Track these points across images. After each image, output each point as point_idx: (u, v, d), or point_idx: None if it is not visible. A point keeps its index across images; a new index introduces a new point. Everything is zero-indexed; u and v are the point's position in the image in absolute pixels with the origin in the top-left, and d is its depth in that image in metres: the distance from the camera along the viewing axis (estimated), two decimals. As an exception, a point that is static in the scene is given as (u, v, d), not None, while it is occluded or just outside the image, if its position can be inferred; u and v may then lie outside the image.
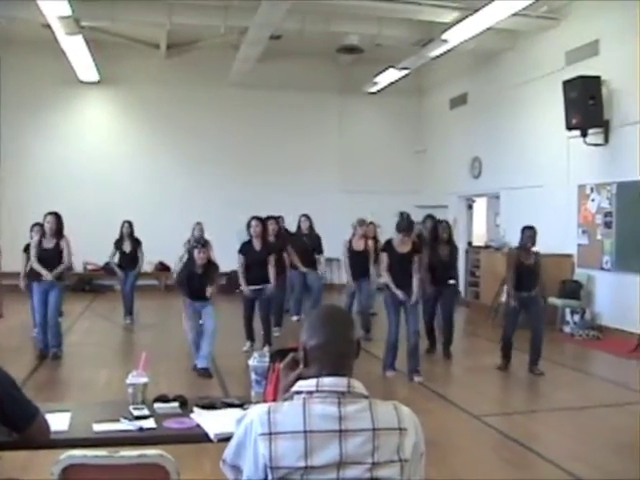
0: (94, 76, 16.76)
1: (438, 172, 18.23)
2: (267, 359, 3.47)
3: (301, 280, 12.40)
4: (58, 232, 9.54)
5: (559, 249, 12.75)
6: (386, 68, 16.21)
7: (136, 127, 17.83)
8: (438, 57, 14.68)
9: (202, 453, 4.61)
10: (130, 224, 12.73)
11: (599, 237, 12.13)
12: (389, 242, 8.84)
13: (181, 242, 12.31)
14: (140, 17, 13.80)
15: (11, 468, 3.28)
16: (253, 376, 3.64)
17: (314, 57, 17.59)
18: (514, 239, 9.81)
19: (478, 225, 17.35)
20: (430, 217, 11.72)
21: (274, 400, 3.01)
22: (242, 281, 10.01)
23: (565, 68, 12.73)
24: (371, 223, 12.78)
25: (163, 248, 14.11)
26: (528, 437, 6.44)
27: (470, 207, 17.46)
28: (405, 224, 8.79)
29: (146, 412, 3.50)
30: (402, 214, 9.28)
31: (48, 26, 13.09)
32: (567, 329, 12.08)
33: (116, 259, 12.83)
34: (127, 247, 12.67)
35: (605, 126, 11.84)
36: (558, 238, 12.77)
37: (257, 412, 2.24)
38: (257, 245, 10.09)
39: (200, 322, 8.93)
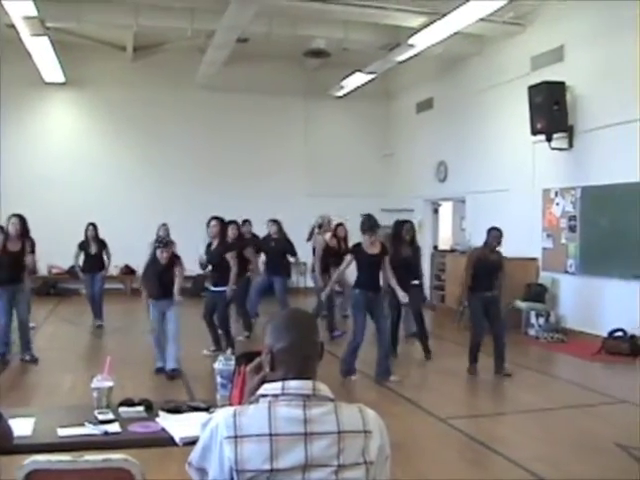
0: (60, 78, 16.60)
1: (404, 176, 18.30)
2: (233, 362, 3.47)
3: (264, 284, 12.35)
4: (23, 234, 9.44)
5: (524, 253, 12.86)
6: (353, 72, 16.25)
7: (102, 129, 17.69)
8: (405, 61, 14.74)
9: (167, 457, 4.58)
10: (94, 226, 12.65)
11: (563, 241, 12.25)
12: (359, 244, 8.86)
13: (146, 245, 12.24)
14: (106, 19, 13.71)
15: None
16: (219, 379, 3.63)
17: (281, 60, 17.60)
18: (479, 243, 9.86)
19: (444, 229, 17.45)
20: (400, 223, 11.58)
21: (240, 403, 3.00)
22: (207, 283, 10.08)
23: (530, 73, 12.87)
24: (341, 224, 12.80)
25: (128, 251, 14.05)
26: (493, 439, 6.49)
27: (436, 211, 17.56)
28: (368, 224, 8.83)
29: (111, 416, 3.48)
30: (367, 215, 9.31)
31: (13, 26, 12.95)
32: (532, 332, 12.19)
33: (81, 262, 12.74)
34: (92, 249, 12.59)
35: (569, 131, 11.98)
36: (523, 242, 12.89)
37: (223, 415, 2.23)
38: (214, 245, 10.16)
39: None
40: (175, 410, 3.59)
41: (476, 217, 14.74)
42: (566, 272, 12.21)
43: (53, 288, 16.53)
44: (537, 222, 12.88)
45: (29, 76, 16.21)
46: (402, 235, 10.31)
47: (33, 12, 11.95)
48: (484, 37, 14.35)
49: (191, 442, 2.45)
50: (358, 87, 17.19)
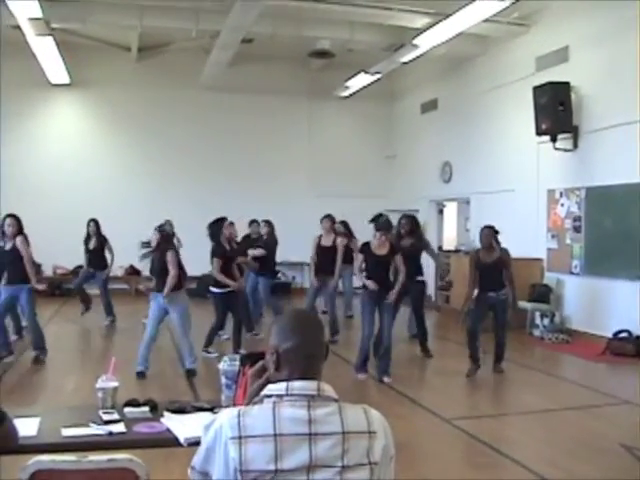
0: (65, 78, 16.63)
1: (409, 176, 18.30)
2: (237, 363, 3.47)
3: (253, 284, 12.41)
4: (18, 234, 9.45)
5: (529, 253, 12.85)
6: (357, 73, 16.24)
7: (106, 130, 17.72)
8: (409, 62, 14.73)
9: (171, 457, 4.58)
10: (95, 222, 12.84)
11: (568, 241, 12.24)
12: (367, 244, 8.88)
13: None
14: (111, 19, 13.74)
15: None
16: (223, 380, 3.63)
17: (285, 61, 17.60)
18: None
19: (448, 229, 17.44)
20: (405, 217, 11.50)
21: (244, 401, 3.01)
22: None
23: (535, 74, 12.85)
24: (343, 222, 12.80)
25: (133, 252, 13.97)
26: (497, 440, 6.49)
27: (440, 212, 17.54)
28: (384, 223, 8.88)
29: (116, 416, 3.49)
30: (381, 215, 9.35)
31: (18, 27, 12.98)
32: (537, 332, 12.17)
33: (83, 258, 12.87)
34: (92, 244, 12.74)
35: (574, 132, 11.96)
36: (528, 242, 12.88)
37: (227, 416, 2.24)
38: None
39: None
40: (180, 410, 3.59)
41: (481, 218, 14.68)
42: (571, 273, 12.19)
43: (58, 289, 16.53)
44: (542, 223, 12.86)
45: (34, 77, 16.25)
46: (399, 229, 10.34)
47: (38, 13, 11.97)
48: (489, 38, 14.33)
49: (196, 442, 2.45)
50: (363, 88, 17.19)
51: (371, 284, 8.65)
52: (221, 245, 10.03)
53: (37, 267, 11.05)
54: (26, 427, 3.22)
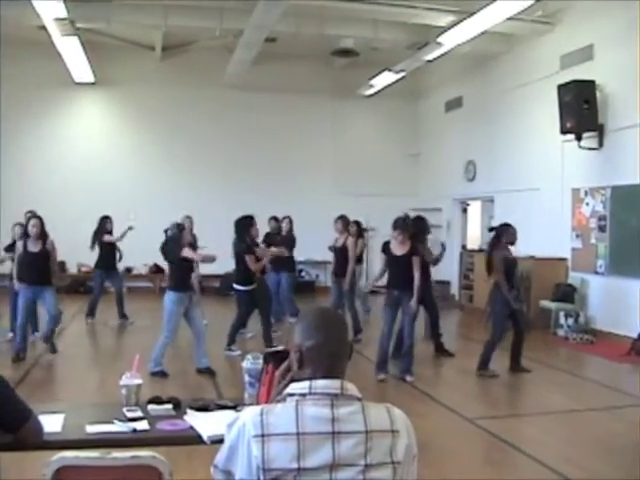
0: (89, 77, 16.73)
1: (433, 175, 18.26)
2: (260, 361, 3.47)
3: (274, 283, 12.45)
4: (43, 235, 9.52)
5: (553, 253, 12.78)
6: (381, 71, 16.21)
7: (131, 128, 17.83)
8: (433, 60, 14.68)
9: (194, 455, 4.60)
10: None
11: (593, 241, 12.15)
12: (387, 243, 8.86)
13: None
14: (135, 19, 13.83)
15: (3, 469, 3.27)
16: (246, 378, 3.64)
17: (309, 60, 17.60)
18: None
19: (472, 228, 17.37)
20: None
21: (267, 402, 3.01)
22: None
23: (560, 72, 12.77)
24: (355, 222, 12.75)
25: (158, 250, 14.03)
26: (519, 439, 6.46)
27: (464, 210, 17.48)
28: (401, 222, 8.83)
29: (139, 414, 3.50)
30: (404, 214, 9.34)
31: (44, 28, 13.09)
32: (561, 332, 12.09)
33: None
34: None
35: (599, 130, 11.87)
36: (552, 242, 12.81)
37: (250, 414, 2.24)
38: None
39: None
40: (203, 408, 3.61)
41: (505, 217, 14.53)
42: (595, 272, 12.10)
43: (82, 286, 16.64)
44: (566, 222, 12.77)
45: (60, 76, 16.38)
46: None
47: (63, 13, 12.07)
48: (513, 36, 14.26)
49: (219, 440, 2.46)
50: (387, 86, 17.15)
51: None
52: (247, 242, 10.06)
53: (61, 266, 11.12)
54: (51, 423, 3.25)
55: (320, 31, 13.92)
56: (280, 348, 2.95)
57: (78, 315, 13.41)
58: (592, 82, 11.80)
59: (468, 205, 17.44)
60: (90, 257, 13.26)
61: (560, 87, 12.03)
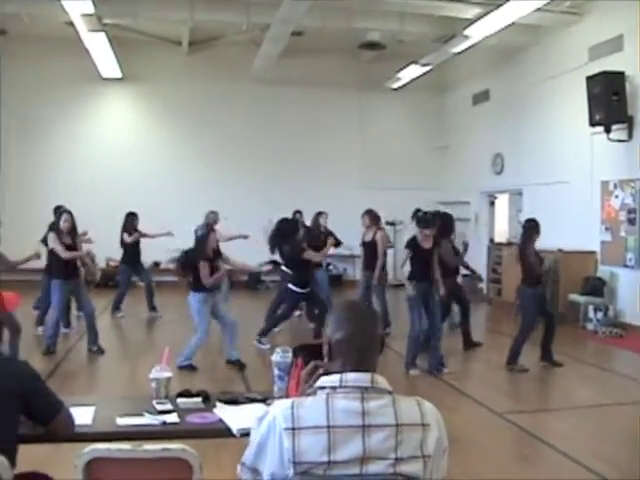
0: (117, 73, 16.82)
1: (460, 168, 18.17)
2: (290, 354, 3.48)
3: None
4: (74, 230, 9.60)
5: (582, 246, 12.68)
6: (408, 64, 16.14)
7: (158, 123, 17.90)
8: (460, 53, 14.61)
9: (222, 448, 4.62)
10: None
11: (622, 234, 12.02)
12: (414, 238, 8.85)
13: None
14: (162, 14, 13.87)
15: (34, 461, 3.30)
16: (276, 371, 3.65)
17: (336, 53, 17.54)
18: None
19: (500, 222, 17.27)
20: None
21: (296, 395, 3.02)
22: None
23: (588, 64, 12.63)
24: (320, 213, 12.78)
25: (185, 245, 14.07)
26: (549, 434, 6.42)
27: (492, 203, 17.38)
28: (421, 217, 8.94)
29: (169, 406, 3.52)
30: (423, 211, 9.35)
31: (71, 24, 13.18)
32: (590, 326, 11.99)
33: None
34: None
35: (629, 122, 11.75)
36: (581, 235, 12.71)
37: (280, 407, 2.25)
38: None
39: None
40: (232, 401, 3.62)
41: (533, 210, 14.50)
42: (625, 266, 11.98)
43: (111, 280, 16.74)
44: (595, 215, 12.64)
45: (87, 72, 16.46)
46: None
47: (91, 9, 12.13)
48: (541, 27, 14.13)
49: (248, 433, 2.46)
50: (413, 79, 17.08)
51: (411, 290, 8.70)
52: (300, 245, 10.26)
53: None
54: (82, 416, 3.29)
55: (347, 24, 13.88)
56: (311, 342, 2.96)
57: (107, 309, 13.51)
58: (621, 73, 11.67)
59: (496, 198, 17.34)
60: (118, 252, 13.35)
61: (589, 79, 11.92)
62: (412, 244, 8.84)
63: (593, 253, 12.71)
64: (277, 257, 11.18)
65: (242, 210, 14.72)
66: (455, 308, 10.85)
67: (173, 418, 3.39)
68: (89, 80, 16.93)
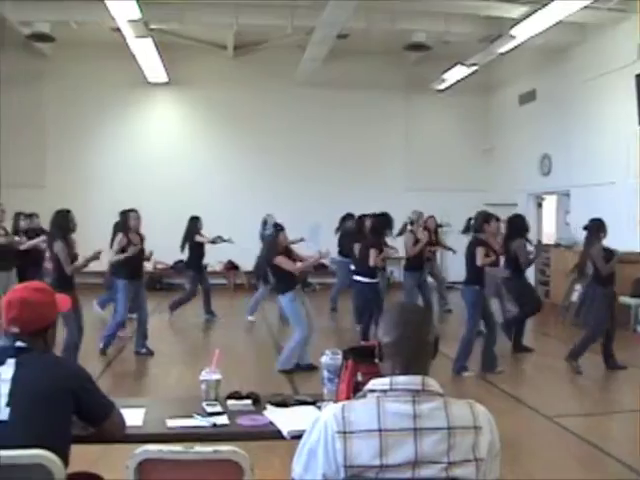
0: (163, 77, 16.99)
1: (507, 170, 18.00)
2: (339, 357, 3.46)
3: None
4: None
5: (632, 247, 12.46)
6: (454, 65, 16.07)
7: (204, 127, 18.04)
8: (506, 53, 14.50)
9: (271, 450, 4.62)
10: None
11: (673, 234, 11.81)
12: (482, 240, 8.80)
13: (250, 240, 12.50)
14: (208, 19, 13.99)
15: (85, 461, 3.33)
16: (325, 374, 3.63)
17: (381, 55, 17.51)
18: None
19: (548, 223, 17.08)
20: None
21: (347, 398, 3.01)
22: None
23: (637, 62, 12.43)
24: (431, 217, 12.80)
25: (231, 247, 14.15)
26: (602, 439, 6.31)
27: (539, 205, 17.20)
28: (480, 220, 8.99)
29: (219, 409, 3.53)
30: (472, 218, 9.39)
31: (118, 29, 13.33)
32: (641, 329, 11.82)
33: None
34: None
35: (680, 121, 11.56)
36: (631, 236, 12.50)
37: (331, 412, 2.24)
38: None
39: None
40: (282, 404, 3.62)
41: (581, 211, 14.34)
42: (677, 267, 11.78)
43: (159, 283, 16.93)
44: (645, 215, 12.44)
45: (133, 77, 16.69)
46: None
47: (137, 15, 12.27)
48: (588, 25, 13.96)
49: (299, 436, 2.45)
50: (459, 80, 16.99)
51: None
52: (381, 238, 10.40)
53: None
54: (132, 417, 3.31)
55: (392, 26, 13.86)
56: (360, 345, 2.94)
57: (156, 311, 13.62)
58: (672, 71, 11.49)
59: (543, 200, 17.15)
60: (165, 255, 13.44)
61: (638, 77, 11.74)
62: (483, 243, 8.78)
63: (643, 254, 12.50)
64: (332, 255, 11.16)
65: (289, 213, 14.69)
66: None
67: (223, 420, 3.40)
68: (136, 85, 17.14)
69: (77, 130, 17.21)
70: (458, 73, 16.49)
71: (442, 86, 17.73)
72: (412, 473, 2.16)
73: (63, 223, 8.14)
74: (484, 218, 9.09)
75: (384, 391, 2.24)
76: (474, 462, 2.20)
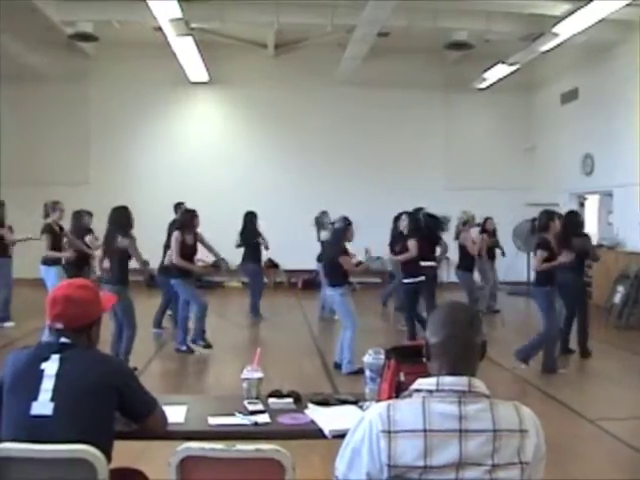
0: (204, 76, 17.09)
1: (548, 169, 17.83)
2: (382, 356, 3.44)
3: None
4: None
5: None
6: (495, 64, 15.95)
7: (245, 126, 18.12)
8: (548, 51, 14.35)
9: (310, 448, 4.61)
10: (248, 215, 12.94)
11: None
12: (547, 239, 8.76)
13: (293, 238, 12.47)
14: (248, 17, 14.04)
15: (126, 457, 3.34)
16: (368, 373, 3.62)
17: (421, 54, 17.44)
18: (628, 238, 9.48)
19: (590, 224, 16.88)
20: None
21: (389, 398, 2.99)
22: None
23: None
24: (489, 218, 12.78)
25: (272, 245, 14.16)
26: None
27: (582, 205, 17.01)
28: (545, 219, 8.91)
29: (261, 407, 3.53)
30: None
31: (159, 29, 13.43)
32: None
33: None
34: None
35: None
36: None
37: (376, 411, 2.23)
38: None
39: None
40: (324, 402, 3.60)
41: (624, 211, 14.17)
42: None
43: (199, 281, 16.97)
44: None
45: (175, 76, 16.80)
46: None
47: (179, 14, 12.35)
48: (632, 22, 13.73)
49: (340, 435, 2.44)
50: (500, 79, 16.86)
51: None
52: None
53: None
54: (174, 414, 3.32)
55: (433, 24, 13.81)
56: (403, 344, 2.92)
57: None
58: None
59: (585, 199, 16.97)
60: (205, 253, 13.44)
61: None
62: (547, 245, 8.74)
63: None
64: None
65: (330, 212, 14.70)
66: None
67: (264, 418, 3.39)
68: (177, 84, 17.26)
69: (119, 128, 17.41)
70: (499, 72, 16.37)
71: (483, 85, 17.62)
72: (456, 475, 2.14)
73: (124, 219, 8.37)
74: (548, 216, 8.99)
75: (430, 391, 2.23)
76: (519, 465, 2.18)
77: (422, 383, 2.26)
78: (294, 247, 13.82)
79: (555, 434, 6.05)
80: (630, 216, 11.11)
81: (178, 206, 11.52)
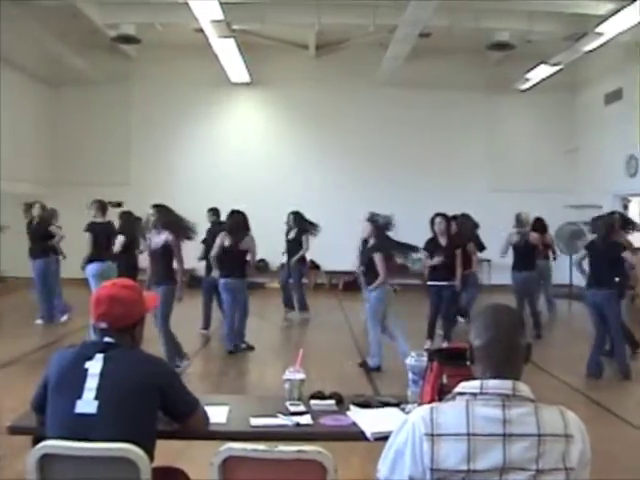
0: (245, 77, 17.18)
1: (591, 170, 17.61)
2: (425, 359, 3.43)
3: None
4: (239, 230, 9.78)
5: None
6: (537, 64, 15.81)
7: (287, 127, 18.17)
8: (592, 51, 14.18)
9: (350, 450, 4.60)
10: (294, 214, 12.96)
11: None
12: (593, 242, 8.86)
13: (334, 239, 12.47)
14: (289, 18, 14.10)
15: (167, 456, 3.37)
16: (410, 375, 3.60)
17: (463, 54, 17.33)
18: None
19: (635, 226, 16.66)
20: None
21: (431, 400, 2.97)
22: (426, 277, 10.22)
23: None
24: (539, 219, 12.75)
25: (313, 246, 14.14)
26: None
27: (625, 207, 16.77)
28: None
29: (302, 408, 3.53)
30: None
31: (201, 30, 13.52)
32: None
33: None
34: (291, 235, 12.89)
35: None
36: None
37: (420, 414, 2.22)
38: (442, 241, 10.15)
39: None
40: (366, 404, 3.59)
41: (669, 213, 13.97)
42: None
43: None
44: None
45: (216, 77, 16.92)
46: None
47: (220, 16, 12.42)
48: (678, 22, 13.57)
49: (382, 438, 2.43)
50: (543, 80, 16.71)
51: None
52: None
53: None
54: (216, 414, 3.34)
55: (475, 25, 13.73)
56: (445, 347, 2.90)
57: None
58: None
59: (629, 202, 16.74)
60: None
61: None
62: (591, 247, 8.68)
63: None
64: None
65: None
66: None
67: (306, 420, 3.39)
68: (218, 85, 17.36)
69: (160, 129, 17.56)
70: (542, 72, 16.23)
71: (525, 86, 17.47)
72: (499, 479, 2.12)
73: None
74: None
75: (474, 394, 2.20)
76: (564, 471, 2.15)
77: (466, 386, 2.24)
78: (335, 248, 13.76)
79: (600, 440, 5.96)
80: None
81: (213, 211, 11.56)
